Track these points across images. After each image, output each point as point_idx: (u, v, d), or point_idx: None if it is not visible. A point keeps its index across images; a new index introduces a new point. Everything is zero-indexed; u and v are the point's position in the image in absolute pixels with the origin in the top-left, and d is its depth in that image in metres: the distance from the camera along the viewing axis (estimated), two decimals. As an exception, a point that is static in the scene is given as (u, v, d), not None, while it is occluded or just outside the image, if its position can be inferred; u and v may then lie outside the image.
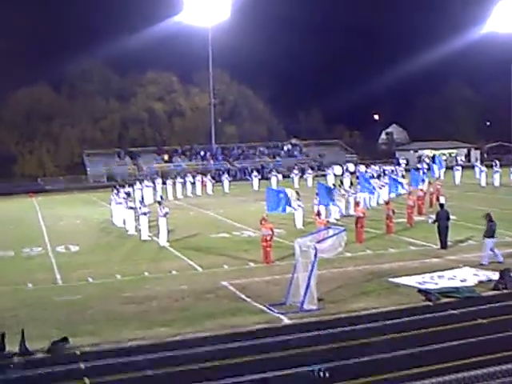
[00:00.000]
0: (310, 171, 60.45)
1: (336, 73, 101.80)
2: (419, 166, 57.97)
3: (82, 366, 13.45)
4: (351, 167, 60.80)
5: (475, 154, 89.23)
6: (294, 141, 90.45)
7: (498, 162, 52.39)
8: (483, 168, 52.33)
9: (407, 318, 16.00)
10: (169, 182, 52.98)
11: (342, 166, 62.11)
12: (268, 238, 23.36)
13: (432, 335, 14.59)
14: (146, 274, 22.31)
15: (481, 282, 19.26)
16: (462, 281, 19.46)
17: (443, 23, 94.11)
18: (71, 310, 17.84)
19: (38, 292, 20.26)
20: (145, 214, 30.10)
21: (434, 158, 69.14)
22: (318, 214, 27.48)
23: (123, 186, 41.81)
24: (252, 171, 63.14)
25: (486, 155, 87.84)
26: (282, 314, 16.66)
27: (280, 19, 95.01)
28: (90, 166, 76.17)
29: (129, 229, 32.09)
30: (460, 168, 55.91)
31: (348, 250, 22.94)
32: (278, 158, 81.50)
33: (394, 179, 40.61)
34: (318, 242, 17.72)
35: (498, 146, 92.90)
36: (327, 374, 11.85)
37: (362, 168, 55.21)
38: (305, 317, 16.40)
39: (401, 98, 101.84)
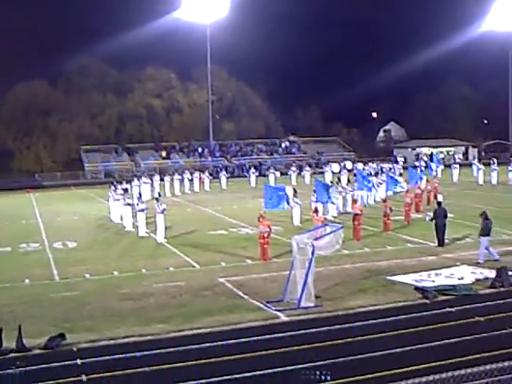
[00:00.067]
0: (307, 168, 60.47)
1: (334, 70, 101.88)
2: (417, 163, 58.01)
3: (79, 362, 13.45)
4: (349, 165, 60.77)
5: (473, 151, 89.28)
6: (291, 138, 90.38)
7: (495, 159, 52.41)
8: (481, 166, 52.39)
9: (404, 316, 16.03)
10: (166, 178, 52.93)
11: (339, 163, 62.08)
12: (265, 235, 23.37)
13: (429, 333, 14.61)
14: (144, 270, 22.31)
15: (478, 280, 19.30)
16: (459, 279, 19.49)
17: (442, 21, 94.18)
18: (68, 306, 17.84)
19: (35, 288, 20.25)
20: (142, 210, 30.10)
21: (431, 155, 69.22)
22: (316, 211, 27.49)
23: (121, 183, 41.78)
24: (250, 168, 63.13)
25: (483, 153, 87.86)
26: (279, 311, 16.67)
27: (278, 16, 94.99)
28: (87, 162, 76.06)
29: (126, 225, 32.09)
30: (458, 166, 55.94)
31: (345, 247, 22.95)
32: (275, 155, 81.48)
33: (391, 177, 40.63)
34: (316, 239, 17.73)
35: (496, 144, 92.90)
36: (328, 377, 11.84)
37: (360, 165, 55.23)
38: (302, 314, 16.42)
39: (399, 96, 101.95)
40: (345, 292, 18.40)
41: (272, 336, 14.78)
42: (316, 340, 14.30)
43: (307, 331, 15.02)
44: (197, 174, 55.65)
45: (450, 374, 8.18)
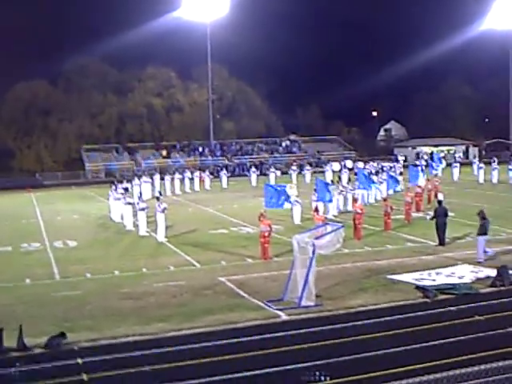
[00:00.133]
0: (308, 167, 60.54)
1: (334, 69, 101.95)
2: (417, 162, 58.00)
3: (80, 361, 13.46)
4: (349, 164, 60.77)
5: (473, 150, 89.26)
6: (292, 137, 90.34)
7: (496, 158, 52.42)
8: (481, 165, 52.39)
9: (405, 315, 16.03)
10: (167, 177, 52.93)
11: (340, 162, 62.07)
12: (266, 234, 23.37)
13: (429, 332, 14.61)
14: (144, 269, 22.32)
15: (478, 279, 19.30)
16: (459, 278, 19.50)
17: (442, 20, 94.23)
18: (69, 305, 17.84)
19: (35, 287, 20.25)
20: (143, 209, 30.10)
21: (432, 154, 69.19)
22: (316, 210, 27.50)
23: (121, 182, 41.79)
24: (250, 167, 63.12)
25: (484, 152, 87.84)
26: (280, 310, 16.67)
27: (279, 15, 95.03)
28: (87, 162, 76.07)
29: (127, 224, 32.09)
30: (458, 165, 55.97)
31: (346, 246, 22.93)
32: (276, 154, 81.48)
33: (391, 176, 40.66)
34: (316, 238, 17.74)
35: (496, 143, 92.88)
36: (327, 378, 11.84)
37: (361, 164, 55.23)
38: (302, 313, 16.42)
39: (399, 95, 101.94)
40: (345, 291, 18.41)
41: (272, 335, 14.78)
42: (316, 339, 14.31)
43: (308, 330, 15.03)
44: (197, 173, 55.67)
45: (451, 372, 8.19)
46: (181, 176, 53.96)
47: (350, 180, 40.48)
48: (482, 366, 8.24)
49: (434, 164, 53.48)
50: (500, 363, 8.47)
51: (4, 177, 70.32)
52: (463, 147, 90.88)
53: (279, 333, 14.91)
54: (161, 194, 35.92)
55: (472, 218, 25.15)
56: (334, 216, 32.34)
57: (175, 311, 16.89)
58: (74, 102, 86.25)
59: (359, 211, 27.68)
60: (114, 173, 71.76)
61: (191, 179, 54.30)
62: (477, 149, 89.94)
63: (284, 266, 20.33)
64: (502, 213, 32.30)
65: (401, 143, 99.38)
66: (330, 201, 32.07)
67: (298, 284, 17.17)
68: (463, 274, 19.97)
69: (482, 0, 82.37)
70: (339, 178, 44.72)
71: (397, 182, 40.01)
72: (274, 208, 28.28)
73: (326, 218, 28.31)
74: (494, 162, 51.05)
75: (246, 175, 61.45)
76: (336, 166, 58.66)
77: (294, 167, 59.33)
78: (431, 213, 26.44)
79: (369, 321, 15.62)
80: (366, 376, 12.05)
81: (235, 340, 14.50)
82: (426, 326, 15.02)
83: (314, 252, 17.14)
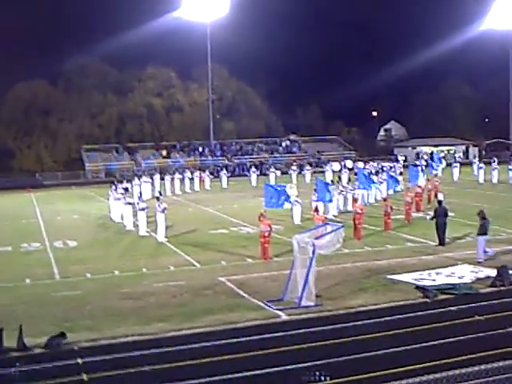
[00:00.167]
0: (308, 167, 60.54)
1: (334, 69, 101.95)
2: (417, 162, 58.00)
3: (80, 361, 13.46)
4: (349, 164, 60.78)
5: (473, 150, 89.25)
6: (292, 137, 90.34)
7: (496, 158, 52.42)
8: (481, 165, 52.38)
9: (405, 315, 16.03)
10: (167, 177, 52.93)
11: (340, 162, 62.08)
12: (266, 234, 23.37)
13: (429, 332, 14.61)
14: (144, 269, 22.32)
15: (478, 279, 19.30)
16: (459, 278, 19.50)
17: (442, 20, 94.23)
18: (69, 305, 17.84)
19: (35, 287, 20.25)
20: (143, 209, 30.10)
21: (432, 154, 69.21)
22: (316, 210, 27.50)
23: (121, 182, 41.80)
24: (250, 167, 63.12)
25: (484, 152, 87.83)
26: (280, 310, 16.67)
27: (279, 15, 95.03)
28: (87, 162, 76.07)
29: (127, 224, 32.09)
30: (458, 165, 55.97)
31: (346, 246, 22.93)
32: (276, 154, 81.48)
33: (391, 176, 40.66)
34: (316, 238, 17.74)
35: (496, 143, 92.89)
36: (327, 379, 11.83)
37: (361, 164, 55.24)
38: (303, 313, 16.42)
39: (399, 95, 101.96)
40: (345, 291, 18.41)
41: (272, 335, 14.78)
42: (316, 339, 14.31)
43: (308, 330, 15.03)
44: (197, 173, 55.68)
45: (450, 372, 8.19)
46: (181, 176, 53.96)
47: (349, 180, 40.46)
48: (483, 366, 8.25)
49: (434, 164, 53.49)
50: (500, 363, 8.47)
51: (4, 177, 70.32)
52: (463, 147, 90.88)
53: (279, 333, 14.91)
54: (161, 194, 35.92)
55: (472, 218, 25.15)
56: (334, 216, 32.34)
57: (175, 311, 16.89)
58: (74, 102, 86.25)
59: (359, 211, 27.68)
60: (113, 173, 71.77)
61: (191, 179, 54.30)
62: (477, 149, 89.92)
63: (284, 266, 20.33)
64: (502, 213, 32.31)
65: (401, 143, 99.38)
66: (330, 201, 32.08)
67: (298, 284, 17.17)
68: (463, 274, 19.97)
69: (482, 0, 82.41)
70: (339, 178, 44.73)
71: (397, 182, 40.03)
72: (274, 208, 28.28)
73: (326, 218, 28.31)
74: (494, 162, 51.05)
75: (246, 175, 61.46)
76: (336, 166, 58.67)
77: (293, 167, 59.33)
78: (431, 213, 26.44)
79: (369, 321, 15.62)
80: (365, 376, 12.05)
81: (235, 340, 14.50)
82: (426, 326, 15.02)
83: (314, 252, 17.14)
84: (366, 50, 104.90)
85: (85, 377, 12.60)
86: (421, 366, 12.14)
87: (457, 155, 76.70)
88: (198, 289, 19.21)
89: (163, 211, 28.53)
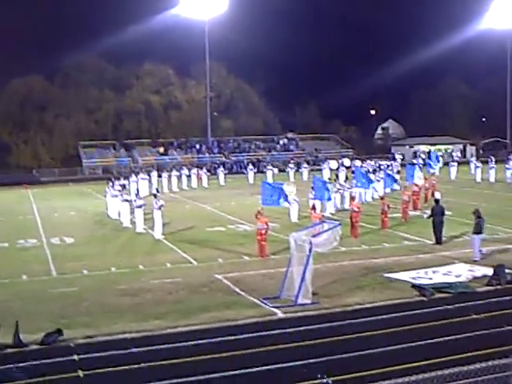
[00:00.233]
0: (305, 165, 60.48)
1: (333, 67, 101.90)
2: (415, 161, 58.02)
3: (76, 358, 13.45)
4: (347, 162, 60.81)
5: (471, 149, 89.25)
6: (289, 135, 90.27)
7: (493, 157, 52.45)
8: (478, 164, 52.44)
9: (401, 313, 16.05)
10: (164, 174, 52.90)
11: (337, 160, 62.11)
12: (263, 232, 23.37)
13: (425, 330, 14.63)
14: (141, 266, 22.31)
15: (475, 278, 19.32)
16: (456, 276, 19.51)
17: (440, 19, 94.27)
18: (66, 302, 17.83)
19: (32, 284, 20.24)
20: (140, 206, 30.07)
21: (429, 153, 69.23)
22: (314, 208, 27.50)
23: (118, 179, 41.76)
24: (248, 164, 63.10)
25: (481, 151, 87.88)
26: (277, 307, 16.68)
27: (277, 13, 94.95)
28: (85, 158, 75.98)
29: (124, 221, 32.06)
30: (455, 164, 55.99)
31: (343, 244, 22.98)
32: (273, 152, 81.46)
33: (389, 174, 40.65)
34: (313, 236, 17.73)
35: (494, 142, 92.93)
36: (330, 381, 11.83)
37: (358, 163, 55.25)
38: (299, 311, 16.43)
39: (397, 94, 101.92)
40: (342, 289, 18.42)
41: (269, 333, 14.79)
42: (313, 337, 14.32)
43: (304, 328, 15.03)
44: (195, 171, 55.67)
45: (446, 371, 8.20)
46: (178, 173, 53.94)
47: (347, 178, 40.47)
48: (477, 365, 8.25)
49: (431, 163, 53.51)
50: (489, 363, 8.47)
51: (1, 173, 70.19)
52: (461, 146, 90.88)
53: (275, 330, 14.91)
54: (158, 191, 35.95)
55: (469, 217, 25.13)
56: (331, 214, 32.34)
57: (171, 308, 16.89)
58: (70, 98, 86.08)
59: (356, 209, 27.69)
60: (111, 169, 71.69)
61: (188, 176, 54.30)
62: (474, 148, 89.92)
63: (281, 263, 20.33)
64: (499, 212, 32.37)
65: (398, 142, 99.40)
66: (329, 199, 32.10)
67: (294, 282, 17.17)
68: (460, 272, 20.00)
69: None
70: (336, 176, 44.68)
71: (394, 180, 39.98)
72: (271, 206, 28.28)
73: (323, 215, 28.32)
74: (491, 160, 51.09)
75: (244, 173, 61.43)
76: (333, 164, 58.69)
77: (291, 165, 59.32)
78: (428, 211, 26.47)
79: (365, 319, 15.63)
80: (362, 374, 12.05)
81: (231, 337, 14.50)
82: (422, 325, 15.04)
83: (310, 250, 17.16)
84: (365, 48, 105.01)
85: (81, 373, 12.59)
86: (417, 364, 12.16)
87: (454, 154, 76.72)
88: (194, 286, 19.21)
89: (160, 208, 28.52)
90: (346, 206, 33.76)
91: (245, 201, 40.99)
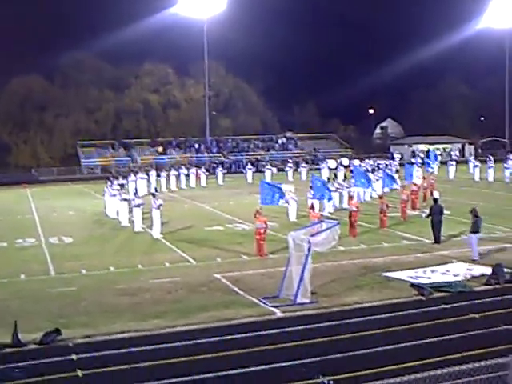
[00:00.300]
0: (304, 165, 60.49)
1: (332, 67, 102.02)
2: (413, 160, 58.06)
3: (75, 357, 13.44)
4: (345, 161, 60.83)
5: (469, 148, 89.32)
6: (288, 134, 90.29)
7: (491, 157, 52.48)
8: (477, 163, 52.47)
9: (400, 313, 16.05)
10: (163, 174, 52.87)
11: (336, 159, 62.13)
12: (262, 231, 23.38)
13: (424, 329, 14.63)
14: (140, 266, 22.30)
15: (473, 277, 19.32)
16: (454, 275, 19.51)
17: (439, 18, 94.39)
18: (64, 301, 17.82)
19: (30, 283, 20.23)
20: (138, 205, 30.06)
21: (428, 152, 69.28)
22: (312, 207, 27.49)
23: (117, 178, 41.73)
24: (246, 164, 63.08)
25: (480, 150, 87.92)
26: (275, 307, 16.67)
27: (276, 12, 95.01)
28: (83, 157, 75.95)
29: (122, 221, 32.05)
30: (454, 163, 56.04)
31: (342, 243, 22.99)
32: (272, 151, 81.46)
33: (387, 174, 40.66)
34: (312, 235, 17.73)
35: (492, 141, 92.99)
36: (331, 382, 11.82)
37: (357, 162, 55.25)
38: (298, 310, 16.42)
39: (396, 93, 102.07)
40: (341, 288, 18.42)
41: (267, 332, 14.79)
42: (312, 336, 14.32)
43: (303, 327, 15.03)
44: (193, 170, 55.66)
45: (445, 370, 8.20)
46: (177, 172, 53.94)
47: (345, 177, 40.49)
48: (483, 363, 8.26)
49: (430, 162, 53.56)
50: (501, 359, 8.47)
51: (0, 172, 70.17)
52: (459, 145, 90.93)
53: (274, 330, 14.91)
54: (156, 191, 35.95)
55: (467, 216, 25.11)
56: (330, 213, 32.34)
57: (170, 307, 16.88)
58: (70, 98, 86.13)
59: (355, 209, 27.69)
60: (109, 169, 71.65)
61: (187, 176, 54.30)
62: (473, 147, 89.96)
63: (279, 262, 20.33)
64: (497, 211, 32.38)
65: (397, 141, 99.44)
66: (330, 198, 32.09)
67: (293, 281, 17.17)
68: (458, 271, 19.99)
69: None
70: (335, 175, 44.70)
71: (393, 179, 39.99)
72: (269, 205, 28.28)
73: (321, 215, 28.32)
74: (490, 160, 51.11)
75: (242, 172, 61.45)
76: (332, 163, 58.71)
77: (290, 164, 59.31)
78: (427, 211, 26.47)
79: (364, 318, 15.63)
80: (361, 373, 12.05)
81: (230, 337, 14.50)
82: (420, 324, 15.04)
83: (309, 249, 17.15)
84: (364, 47, 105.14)
85: (79, 373, 12.59)
86: (415, 363, 12.16)
87: (453, 153, 76.79)
88: (193, 285, 19.21)
89: (159, 207, 28.52)
90: (345, 205, 33.76)
91: (243, 200, 40.99)
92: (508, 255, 22.15)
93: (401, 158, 70.66)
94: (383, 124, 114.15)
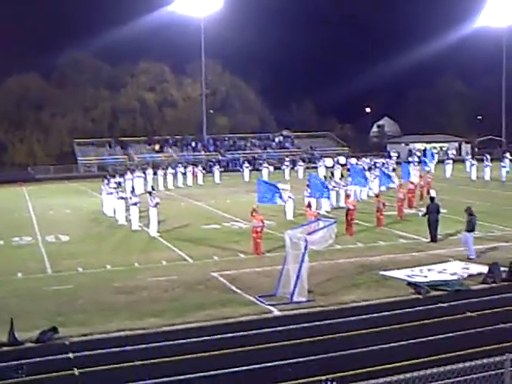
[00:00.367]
0: (301, 163, 60.46)
1: (328, 65, 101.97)
2: (410, 159, 58.08)
3: (71, 355, 13.43)
4: (342, 159, 60.83)
5: (466, 147, 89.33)
6: (285, 132, 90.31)
7: (488, 155, 52.49)
8: (474, 162, 52.47)
9: (396, 311, 16.07)
10: (160, 172, 52.82)
11: (333, 158, 62.14)
12: (258, 230, 23.39)
13: (421, 328, 14.66)
14: (136, 264, 22.29)
15: (470, 276, 19.35)
16: (451, 274, 19.53)
17: (437, 17, 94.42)
18: (61, 299, 17.81)
19: (27, 282, 20.21)
20: (135, 204, 30.05)
21: (425, 151, 69.31)
22: (309, 205, 27.50)
23: (114, 176, 41.69)
24: (243, 162, 63.11)
25: (476, 149, 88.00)
26: (272, 305, 16.68)
27: (272, 10, 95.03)
28: (80, 156, 75.87)
29: (119, 219, 32.03)
30: (451, 161, 56.08)
31: (338, 242, 22.99)
32: (269, 150, 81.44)
33: (384, 172, 40.66)
34: (309, 233, 17.74)
35: (489, 140, 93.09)
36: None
37: (353, 160, 55.24)
38: (295, 308, 16.44)
39: (393, 91, 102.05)
40: (337, 287, 18.43)
41: (264, 330, 14.79)
42: (309, 335, 14.33)
43: (300, 326, 15.04)
44: (190, 168, 55.63)
45: (441, 368, 8.20)
46: (173, 171, 53.90)
47: (342, 176, 40.45)
48: (480, 362, 8.27)
49: (426, 160, 53.58)
50: (497, 358, 8.48)
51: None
52: (456, 144, 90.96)
53: (271, 328, 14.91)
54: (153, 189, 35.92)
55: (464, 215, 25.17)
56: (327, 212, 32.35)
57: (167, 306, 16.88)
58: (66, 97, 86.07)
59: (352, 207, 27.71)
60: (106, 167, 71.60)
61: (184, 174, 54.27)
62: (470, 146, 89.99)
63: (276, 261, 20.34)
64: (494, 210, 32.43)
65: (393, 139, 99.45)
66: (328, 197, 32.08)
67: (290, 279, 17.18)
68: (455, 270, 20.02)
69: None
70: (332, 173, 44.71)
71: (389, 178, 40.00)
72: (266, 204, 28.28)
73: (318, 213, 28.31)
74: (487, 159, 51.12)
75: (239, 170, 61.42)
76: (329, 161, 58.69)
77: (286, 163, 59.29)
78: (423, 209, 26.49)
79: (361, 316, 15.65)
80: (357, 372, 12.05)
81: (227, 335, 14.50)
82: (417, 322, 15.07)
83: (306, 247, 17.16)
84: (360, 45, 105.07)
85: (76, 371, 12.58)
86: (411, 362, 12.18)
87: (450, 152, 76.81)
88: (190, 284, 19.20)
89: (156, 206, 28.52)
90: (342, 203, 33.77)
91: (240, 198, 40.99)
92: (504, 254, 22.17)
93: (397, 157, 70.63)
94: (380, 122, 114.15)
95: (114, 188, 34.34)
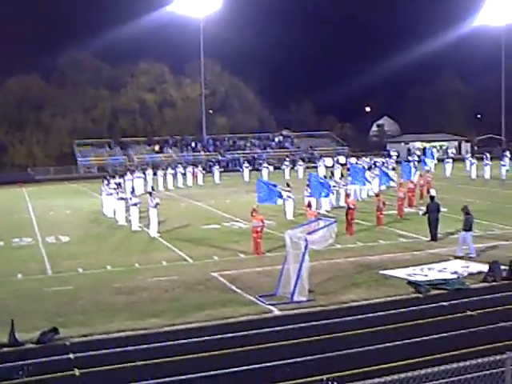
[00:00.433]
0: (300, 163, 60.43)
1: (328, 64, 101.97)
2: (410, 158, 58.06)
3: (72, 356, 13.43)
4: (342, 159, 60.81)
5: (466, 146, 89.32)
6: (285, 132, 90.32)
7: (488, 154, 52.48)
8: (474, 160, 52.45)
9: (397, 310, 16.07)
10: (160, 172, 52.81)
11: (332, 157, 62.11)
12: (259, 230, 23.38)
13: (421, 327, 14.65)
14: (137, 264, 22.29)
15: (470, 274, 19.35)
16: (451, 273, 19.53)
17: (436, 16, 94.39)
18: (61, 300, 17.80)
19: (28, 283, 20.20)
20: (135, 204, 30.05)
21: (425, 150, 69.27)
22: (309, 205, 27.50)
23: (114, 177, 41.68)
24: (243, 162, 63.10)
25: (476, 148, 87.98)
26: (272, 305, 16.67)
27: (271, 10, 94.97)
28: (80, 156, 75.87)
29: (119, 219, 32.03)
30: (451, 160, 56.08)
31: (338, 241, 22.98)
32: (268, 150, 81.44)
33: (384, 171, 40.65)
34: (309, 233, 17.73)
35: (489, 139, 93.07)
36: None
37: (353, 160, 55.20)
38: (295, 308, 16.43)
39: (392, 90, 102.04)
40: (338, 286, 18.42)
41: (265, 330, 14.79)
42: (309, 334, 14.32)
43: (300, 325, 15.03)
44: (190, 169, 55.62)
45: (442, 367, 8.20)
46: (173, 171, 53.89)
47: (342, 175, 40.45)
48: (480, 360, 8.26)
49: (426, 159, 53.54)
50: (498, 356, 8.48)
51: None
52: (456, 143, 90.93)
53: (271, 328, 14.91)
54: (153, 189, 35.92)
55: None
56: (327, 211, 32.35)
57: (167, 306, 16.87)
58: (66, 97, 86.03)
59: (352, 206, 27.71)
60: (106, 168, 71.58)
61: (184, 174, 54.26)
62: (469, 144, 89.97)
63: (276, 261, 20.34)
64: (494, 208, 32.43)
65: (393, 139, 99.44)
66: (328, 195, 32.05)
67: (290, 279, 17.17)
68: (455, 269, 20.02)
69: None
70: (332, 173, 44.71)
71: (389, 177, 39.98)
72: (266, 203, 28.28)
73: (318, 213, 28.32)
74: (487, 157, 51.11)
75: (239, 170, 61.41)
76: (329, 161, 58.67)
77: (286, 162, 59.28)
78: (424, 208, 26.48)
79: (361, 316, 15.64)
80: (358, 371, 12.04)
81: (227, 335, 14.50)
82: (417, 321, 15.06)
83: (306, 247, 17.15)
84: (360, 45, 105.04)
85: (77, 372, 12.58)
86: (412, 361, 12.17)
87: (449, 151, 76.76)
88: (190, 284, 19.20)
89: (156, 206, 28.51)
90: (342, 203, 33.77)
91: (240, 198, 41.00)
92: (505, 252, 22.16)
93: (397, 156, 70.59)
94: (380, 122, 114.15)
95: (114, 189, 34.32)
